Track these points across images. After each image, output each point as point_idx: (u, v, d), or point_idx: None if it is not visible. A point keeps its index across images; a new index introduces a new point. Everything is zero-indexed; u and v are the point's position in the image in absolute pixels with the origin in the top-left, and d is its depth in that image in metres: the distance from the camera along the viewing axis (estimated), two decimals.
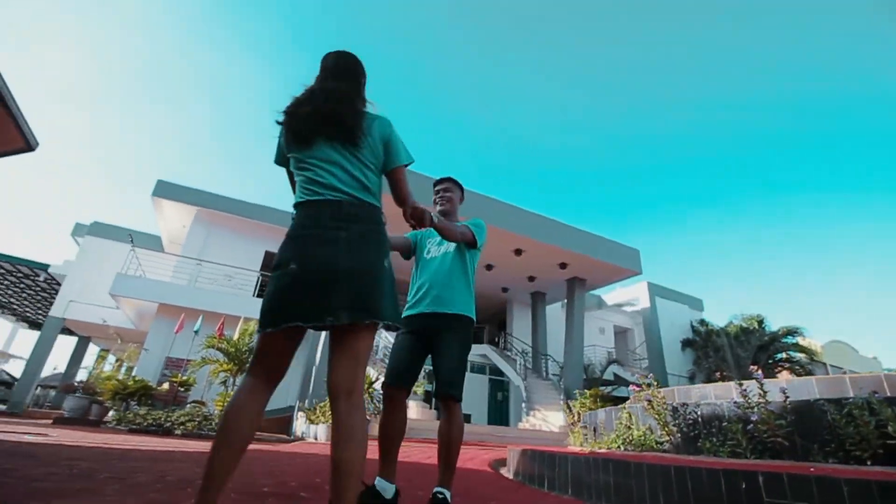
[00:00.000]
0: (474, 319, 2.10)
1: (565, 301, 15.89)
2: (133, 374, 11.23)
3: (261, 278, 14.34)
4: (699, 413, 3.23)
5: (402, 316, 2.14)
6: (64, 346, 23.23)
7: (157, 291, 12.19)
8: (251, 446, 5.65)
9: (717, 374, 16.88)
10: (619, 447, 3.83)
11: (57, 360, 30.04)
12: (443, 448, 1.92)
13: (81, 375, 18.24)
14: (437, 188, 2.36)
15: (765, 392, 2.82)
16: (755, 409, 2.78)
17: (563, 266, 14.29)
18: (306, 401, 10.17)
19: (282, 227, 13.91)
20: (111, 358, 19.84)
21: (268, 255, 14.93)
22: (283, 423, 11.41)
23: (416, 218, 1.74)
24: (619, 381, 16.46)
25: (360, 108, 1.42)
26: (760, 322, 18.41)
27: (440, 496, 1.80)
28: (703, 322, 20.80)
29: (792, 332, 17.11)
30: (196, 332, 10.77)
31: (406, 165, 1.45)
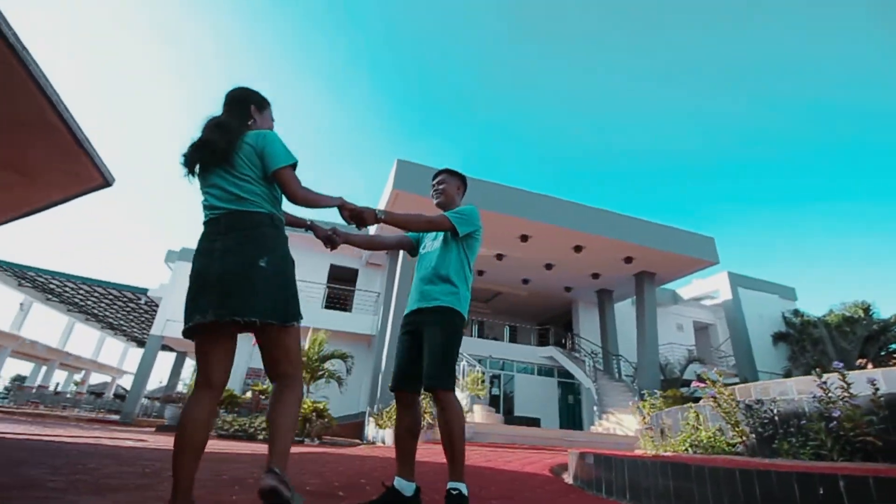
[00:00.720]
0: (458, 310, 1.97)
1: (635, 298, 15.07)
2: None
3: (327, 290, 15.04)
4: (775, 410, 2.88)
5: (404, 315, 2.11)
6: (166, 362, 25.90)
7: None
8: (313, 449, 5.90)
9: (818, 370, 15.04)
10: (686, 450, 3.52)
11: (162, 375, 33.55)
12: (444, 441, 1.83)
13: (181, 387, 20.16)
14: (432, 182, 2.28)
15: (848, 384, 2.45)
16: (837, 405, 2.43)
17: (628, 260, 13.57)
18: (375, 406, 10.46)
19: None
20: None
21: (333, 267, 15.66)
22: (356, 427, 11.84)
23: (355, 219, 1.76)
24: (702, 380, 15.25)
25: (235, 132, 1.57)
26: (866, 309, 16.18)
27: (454, 492, 1.74)
28: (796, 312, 18.70)
29: None
30: None
31: (288, 167, 1.55)
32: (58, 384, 26.65)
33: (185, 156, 1.59)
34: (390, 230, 2.04)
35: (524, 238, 12.59)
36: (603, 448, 7.14)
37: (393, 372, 2.00)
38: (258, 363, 13.02)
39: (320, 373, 10.27)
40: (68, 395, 21.26)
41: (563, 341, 18.50)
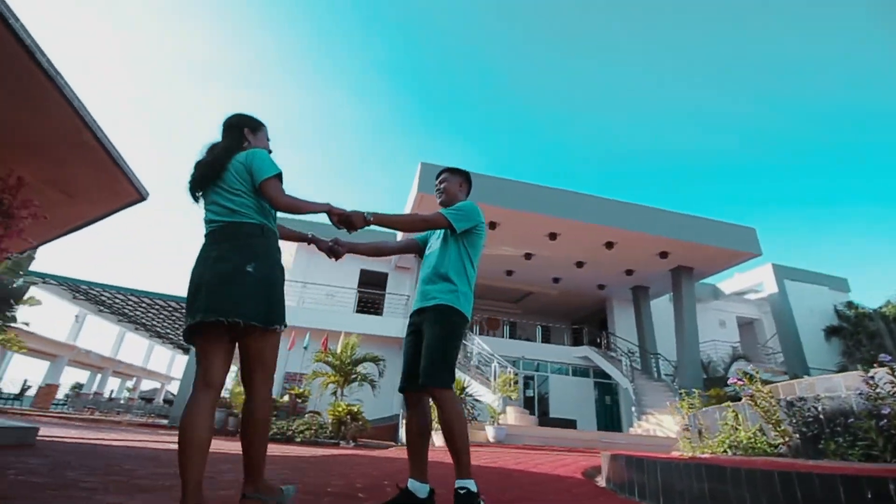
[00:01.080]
0: (457, 308, 1.92)
1: (672, 294, 14.56)
2: None
3: (358, 295, 15.27)
4: (819, 408, 2.69)
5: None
6: None
7: None
8: (346, 451, 5.96)
9: (875, 364, 14.05)
10: (724, 451, 3.34)
11: None
12: (446, 441, 1.80)
13: (223, 393, 20.89)
14: (435, 182, 2.26)
15: None
16: (886, 401, 2.23)
17: (663, 255, 13.12)
18: None
19: None
20: None
21: (363, 273, 15.89)
22: (390, 430, 11.94)
23: (343, 223, 1.78)
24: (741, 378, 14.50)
25: (224, 153, 1.72)
26: None
27: (462, 491, 1.71)
28: (850, 305, 17.56)
29: None
30: (305, 347, 11.78)
31: (272, 178, 1.65)
32: (112, 391, 28.18)
33: (189, 182, 1.74)
34: (404, 236, 2.04)
35: (553, 236, 12.39)
36: (641, 450, 6.91)
37: (402, 372, 1.99)
38: (295, 367, 13.31)
39: (353, 376, 10.42)
40: (121, 401, 22.41)
41: (598, 340, 18.06)
